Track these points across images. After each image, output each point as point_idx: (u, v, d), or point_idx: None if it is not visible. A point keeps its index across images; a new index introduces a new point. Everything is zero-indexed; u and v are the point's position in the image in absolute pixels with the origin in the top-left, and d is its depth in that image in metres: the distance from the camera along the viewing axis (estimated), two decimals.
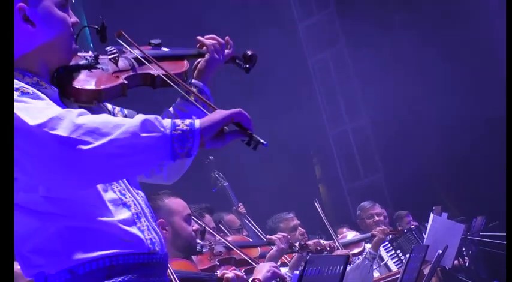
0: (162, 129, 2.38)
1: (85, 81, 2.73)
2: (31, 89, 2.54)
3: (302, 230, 6.11)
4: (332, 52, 11.59)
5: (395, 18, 10.45)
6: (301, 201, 7.63)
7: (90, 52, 2.81)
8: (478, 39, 10.26)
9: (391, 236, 7.13)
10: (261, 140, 2.42)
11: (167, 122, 2.40)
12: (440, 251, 5.89)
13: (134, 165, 2.48)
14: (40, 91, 2.57)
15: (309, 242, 5.79)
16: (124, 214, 2.59)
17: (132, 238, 2.56)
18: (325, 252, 5.93)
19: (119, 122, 2.41)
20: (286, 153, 9.38)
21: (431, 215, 6.82)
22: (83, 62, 2.77)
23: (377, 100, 10.41)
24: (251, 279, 4.60)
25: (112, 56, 2.83)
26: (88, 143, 2.34)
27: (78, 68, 2.76)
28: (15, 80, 2.55)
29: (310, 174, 10.99)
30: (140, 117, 2.40)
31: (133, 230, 2.58)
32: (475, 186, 8.75)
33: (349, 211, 9.81)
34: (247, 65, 3.11)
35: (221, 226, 5.98)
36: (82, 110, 2.48)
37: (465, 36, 9.95)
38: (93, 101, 2.71)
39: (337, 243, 6.10)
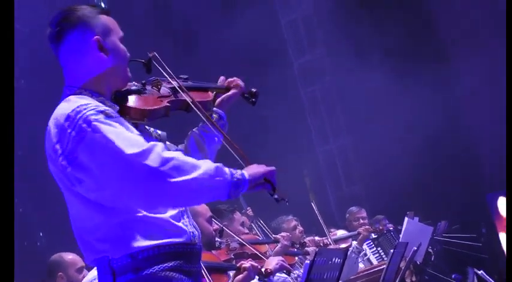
0: (226, 176, 2.47)
1: (138, 103, 2.78)
2: (114, 113, 2.58)
3: (301, 228, 6.17)
4: (321, 86, 11.62)
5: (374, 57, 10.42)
6: (296, 206, 7.67)
7: (134, 82, 2.87)
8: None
9: (373, 234, 7.28)
10: (285, 198, 2.62)
11: (228, 170, 2.50)
12: (416, 248, 5.92)
13: (202, 199, 2.71)
14: None
15: (306, 240, 5.85)
16: (173, 211, 2.62)
17: (180, 231, 2.60)
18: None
19: (195, 163, 2.47)
20: (283, 168, 9.38)
21: (406, 219, 6.85)
22: (134, 87, 2.82)
23: (358, 124, 10.49)
24: (263, 269, 4.64)
25: (156, 83, 2.88)
26: (174, 176, 2.40)
27: (131, 92, 2.81)
28: (95, 101, 2.59)
29: (303, 184, 10.98)
30: (213, 164, 2.49)
31: (180, 224, 2.62)
32: (440, 196, 8.87)
33: (334, 215, 9.89)
34: (253, 99, 3.18)
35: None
36: (162, 144, 2.54)
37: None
38: (144, 119, 2.77)
39: (329, 239, 6.15)
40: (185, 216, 2.69)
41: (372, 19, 10.89)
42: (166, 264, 2.54)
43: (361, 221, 7.63)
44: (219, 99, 3.12)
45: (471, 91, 10.52)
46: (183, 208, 2.71)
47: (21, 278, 5.10)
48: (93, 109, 2.51)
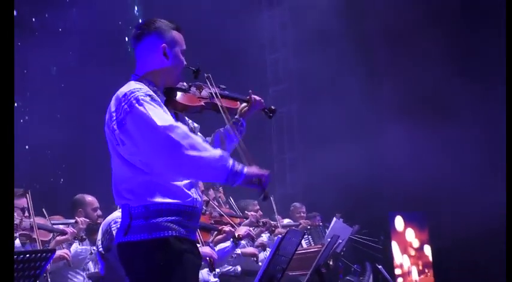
0: (228, 165, 2.46)
1: (182, 98, 2.82)
2: (157, 98, 2.63)
3: (260, 212, 6.25)
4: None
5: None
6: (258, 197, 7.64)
7: (184, 83, 2.90)
8: None
9: (309, 227, 7.35)
10: (267, 197, 2.58)
11: (231, 161, 2.49)
12: (340, 241, 6.11)
13: (203, 176, 2.62)
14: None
15: (264, 220, 5.97)
16: (186, 181, 2.64)
17: (187, 196, 2.61)
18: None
19: (207, 147, 2.52)
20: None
21: (334, 218, 7.01)
22: (182, 87, 2.88)
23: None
24: (236, 234, 4.76)
25: (197, 86, 2.94)
26: (188, 149, 2.44)
27: (179, 90, 2.86)
28: (145, 86, 2.66)
29: None
30: (220, 152, 2.51)
31: (189, 192, 2.62)
32: (358, 208, 8.82)
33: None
34: (271, 114, 3.14)
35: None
36: (186, 127, 2.61)
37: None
38: (183, 111, 2.83)
39: (279, 224, 6.26)
40: (194, 188, 2.70)
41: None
42: (169, 218, 2.55)
43: (302, 215, 7.65)
44: (244, 109, 3.05)
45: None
46: (195, 182, 2.71)
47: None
48: (143, 92, 2.58)
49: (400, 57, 10.65)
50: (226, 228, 4.79)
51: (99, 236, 3.76)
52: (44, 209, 4.81)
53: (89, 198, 5.13)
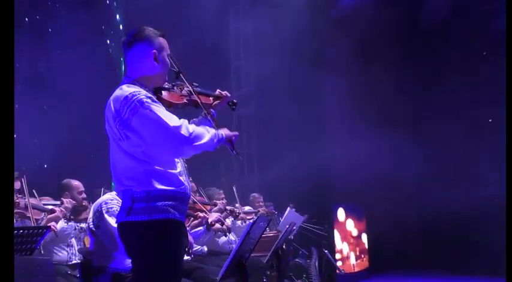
0: (217, 137, 2.72)
1: (167, 96, 2.88)
2: (155, 99, 2.70)
3: (225, 200, 6.30)
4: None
5: None
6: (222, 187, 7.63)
7: (167, 83, 2.96)
8: None
9: (266, 214, 7.34)
10: (239, 153, 2.90)
11: (215, 133, 2.73)
12: (295, 228, 6.21)
13: (204, 150, 2.71)
14: None
15: (231, 208, 6.03)
16: (179, 169, 2.71)
17: (181, 183, 2.67)
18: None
19: (204, 133, 2.69)
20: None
21: (288, 208, 7.12)
22: (166, 86, 2.93)
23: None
24: (209, 220, 4.81)
25: (178, 85, 3.01)
26: (195, 141, 2.62)
27: (165, 89, 2.91)
28: (141, 89, 2.70)
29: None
30: (213, 131, 2.74)
31: (182, 178, 2.69)
32: (308, 202, 8.81)
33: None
34: (234, 107, 3.26)
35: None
36: (187, 121, 2.71)
37: None
38: (169, 107, 2.84)
39: (241, 211, 6.31)
40: (184, 174, 2.75)
41: None
42: (167, 202, 2.59)
43: (260, 203, 7.69)
44: (215, 103, 3.17)
45: None
46: (182, 169, 2.78)
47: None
48: (144, 95, 2.62)
49: (353, 69, 10.88)
50: (201, 214, 4.86)
51: (90, 214, 3.79)
52: (34, 191, 4.75)
53: (75, 182, 5.13)
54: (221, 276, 3.68)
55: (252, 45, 11.40)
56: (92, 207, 3.82)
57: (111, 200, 3.73)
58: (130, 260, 3.39)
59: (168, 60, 2.84)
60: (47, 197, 4.99)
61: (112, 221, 3.59)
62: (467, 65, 11.63)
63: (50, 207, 4.67)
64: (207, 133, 2.69)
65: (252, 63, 11.31)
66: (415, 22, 12.35)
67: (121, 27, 9.64)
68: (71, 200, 4.78)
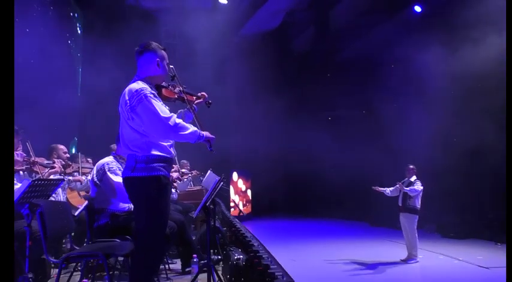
0: (198, 134, 2.59)
1: (164, 92, 2.76)
2: (157, 95, 2.59)
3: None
4: None
5: None
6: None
7: (165, 83, 2.80)
8: None
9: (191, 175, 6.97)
10: (213, 150, 2.66)
11: (199, 131, 2.61)
12: (217, 186, 6.25)
13: (186, 140, 2.60)
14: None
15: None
16: (170, 142, 2.63)
17: (169, 152, 2.60)
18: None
19: (189, 126, 2.57)
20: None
21: (209, 171, 7.04)
22: (164, 85, 2.79)
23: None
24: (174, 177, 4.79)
25: (172, 85, 2.87)
26: (180, 131, 2.52)
27: (163, 87, 2.77)
28: (148, 87, 2.55)
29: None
30: (195, 129, 2.60)
31: (170, 149, 2.62)
32: (217, 164, 8.18)
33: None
34: (208, 105, 3.07)
35: None
36: (175, 115, 2.60)
37: None
38: (165, 100, 2.72)
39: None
40: (173, 147, 2.68)
41: None
42: (160, 164, 2.54)
43: (188, 167, 7.15)
44: (196, 101, 3.00)
45: None
46: (172, 142, 2.69)
47: None
48: (149, 91, 2.53)
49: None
50: (174, 174, 4.84)
51: (94, 171, 3.63)
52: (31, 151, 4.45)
53: (61, 146, 4.89)
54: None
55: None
56: (96, 166, 3.69)
57: (111, 161, 3.59)
58: (124, 204, 3.52)
59: (166, 67, 2.75)
60: (41, 158, 4.71)
61: (112, 177, 3.48)
62: (320, 81, 12.42)
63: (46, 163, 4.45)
64: (190, 128, 2.59)
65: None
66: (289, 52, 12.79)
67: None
68: (60, 160, 4.58)
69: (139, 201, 2.55)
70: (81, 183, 4.72)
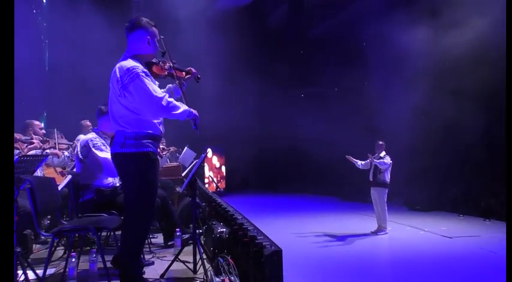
0: (189, 111, 2.62)
1: (155, 69, 2.74)
2: (148, 73, 2.57)
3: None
4: None
5: None
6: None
7: (155, 59, 2.77)
8: None
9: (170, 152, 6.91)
10: (198, 129, 2.70)
11: (189, 109, 2.63)
12: (194, 161, 6.34)
13: (177, 118, 2.61)
14: None
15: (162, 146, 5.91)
16: (159, 120, 2.67)
17: (158, 129, 2.64)
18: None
19: (180, 105, 2.59)
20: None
21: (185, 148, 7.12)
22: (154, 61, 2.78)
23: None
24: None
25: (162, 61, 2.83)
26: (172, 110, 2.56)
27: (153, 63, 2.76)
28: (140, 65, 2.53)
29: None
30: (186, 107, 2.62)
31: (159, 127, 2.67)
32: (193, 141, 7.99)
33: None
34: (198, 80, 3.01)
35: None
36: (168, 95, 2.58)
37: None
38: (156, 77, 2.72)
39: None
40: (162, 124, 2.72)
41: None
42: (149, 140, 2.58)
43: (163, 144, 6.74)
44: (186, 77, 2.95)
45: None
46: (161, 120, 2.72)
47: None
48: (141, 70, 2.53)
49: None
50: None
51: (78, 148, 3.62)
52: None
53: (36, 122, 4.83)
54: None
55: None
56: (79, 143, 3.68)
57: (94, 138, 3.58)
58: (109, 179, 3.58)
59: (157, 44, 2.71)
60: (18, 134, 4.64)
61: (98, 153, 3.50)
62: (294, 58, 12.48)
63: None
64: (182, 107, 2.60)
65: None
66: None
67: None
68: (37, 136, 4.55)
69: (129, 176, 2.58)
70: (58, 157, 4.69)
